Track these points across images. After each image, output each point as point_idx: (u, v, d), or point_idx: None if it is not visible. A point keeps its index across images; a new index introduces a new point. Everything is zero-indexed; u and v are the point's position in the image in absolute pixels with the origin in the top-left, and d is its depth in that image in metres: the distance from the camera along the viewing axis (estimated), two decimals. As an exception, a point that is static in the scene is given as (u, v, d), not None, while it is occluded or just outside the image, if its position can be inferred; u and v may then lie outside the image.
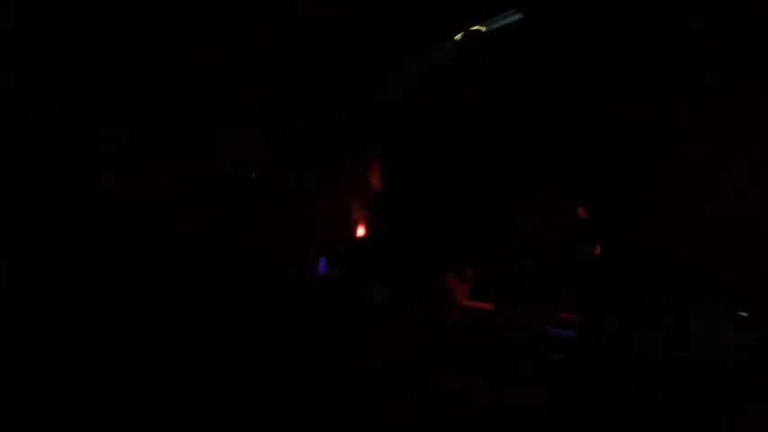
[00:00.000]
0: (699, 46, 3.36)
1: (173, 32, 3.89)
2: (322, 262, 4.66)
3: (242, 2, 4.08)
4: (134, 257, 3.94)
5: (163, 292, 3.82)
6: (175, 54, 3.95)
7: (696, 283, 3.58)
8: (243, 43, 4.10)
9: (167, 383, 2.75)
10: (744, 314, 3.53)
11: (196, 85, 4.06)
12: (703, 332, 3.58)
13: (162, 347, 3.21)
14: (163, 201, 4.16)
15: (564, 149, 3.73)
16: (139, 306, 3.59)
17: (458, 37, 3.85)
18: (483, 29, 3.78)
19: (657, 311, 3.58)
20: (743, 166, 3.41)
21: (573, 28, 3.56)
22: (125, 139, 3.93)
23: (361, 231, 4.66)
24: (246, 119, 4.30)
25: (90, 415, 2.40)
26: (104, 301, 3.52)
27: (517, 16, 3.63)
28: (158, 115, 4.00)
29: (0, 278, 3.42)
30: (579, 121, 3.67)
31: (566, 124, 3.70)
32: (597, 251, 3.67)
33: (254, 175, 4.44)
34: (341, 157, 4.35)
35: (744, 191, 3.43)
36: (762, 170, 3.39)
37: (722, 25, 3.29)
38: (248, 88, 4.18)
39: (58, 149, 3.79)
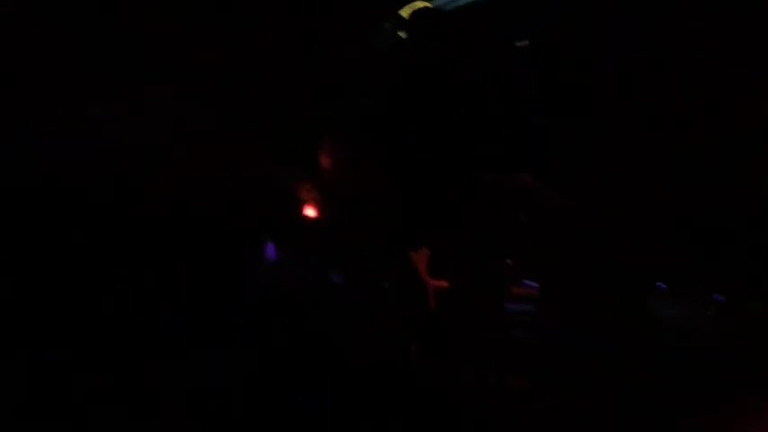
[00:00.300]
0: (699, 46, 3.36)
1: (173, 32, 3.89)
2: (269, 246, 4.50)
3: (242, 2, 4.08)
4: (134, 257, 3.94)
5: (163, 292, 3.82)
6: (175, 54, 3.96)
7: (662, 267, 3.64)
8: (243, 43, 4.10)
9: (167, 383, 2.75)
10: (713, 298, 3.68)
11: (196, 85, 4.06)
12: (663, 314, 3.70)
13: (162, 347, 3.21)
14: (163, 200, 4.16)
15: (564, 149, 3.72)
16: (139, 306, 3.59)
17: (403, 13, 3.68)
18: (429, 5, 3.61)
19: (618, 292, 3.60)
20: (742, 165, 3.41)
21: (573, 28, 3.56)
22: (125, 140, 3.94)
23: (311, 212, 4.47)
24: (246, 119, 4.30)
25: (90, 415, 2.40)
26: (104, 301, 3.52)
27: None
28: (158, 115, 4.00)
29: (1, 278, 3.42)
30: (579, 121, 3.67)
31: (567, 124, 3.70)
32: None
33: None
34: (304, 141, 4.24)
35: (744, 189, 3.43)
36: (761, 169, 3.39)
37: (722, 25, 3.29)
38: (248, 88, 4.19)
39: (58, 149, 3.79)
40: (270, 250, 4.54)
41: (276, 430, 2.48)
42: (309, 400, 2.66)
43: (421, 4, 3.63)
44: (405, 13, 3.64)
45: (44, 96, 3.71)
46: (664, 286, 3.80)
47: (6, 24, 3.57)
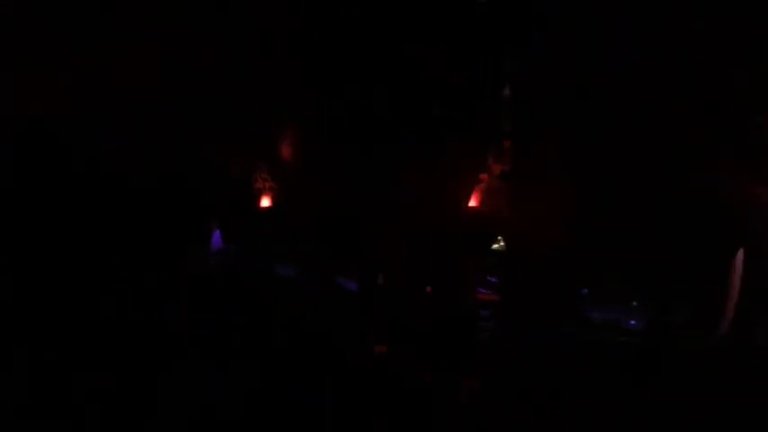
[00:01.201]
0: (699, 46, 3.35)
1: (173, 32, 3.89)
2: (216, 234, 4.49)
3: (242, 2, 4.08)
4: (134, 257, 3.95)
5: (163, 291, 3.83)
6: (175, 54, 3.96)
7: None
8: (243, 43, 4.10)
9: (167, 384, 2.75)
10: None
11: (196, 85, 4.07)
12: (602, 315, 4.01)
13: (162, 348, 3.22)
14: (163, 200, 4.16)
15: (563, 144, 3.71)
16: (139, 306, 3.60)
17: None
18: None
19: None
20: (743, 165, 3.41)
21: (573, 28, 3.56)
22: (125, 139, 3.94)
23: (266, 202, 4.45)
24: (246, 119, 4.30)
25: (90, 415, 2.40)
26: (104, 301, 3.53)
27: None
28: (158, 115, 4.00)
29: (1, 278, 3.43)
30: (577, 119, 3.66)
31: (567, 124, 3.69)
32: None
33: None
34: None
35: (742, 185, 3.43)
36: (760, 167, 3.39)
37: (722, 25, 3.29)
38: (248, 88, 4.19)
39: (61, 150, 3.80)
40: (216, 239, 4.51)
41: (276, 430, 2.48)
42: (309, 400, 2.66)
43: None
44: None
45: (44, 96, 3.72)
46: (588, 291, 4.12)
47: (6, 24, 3.58)
